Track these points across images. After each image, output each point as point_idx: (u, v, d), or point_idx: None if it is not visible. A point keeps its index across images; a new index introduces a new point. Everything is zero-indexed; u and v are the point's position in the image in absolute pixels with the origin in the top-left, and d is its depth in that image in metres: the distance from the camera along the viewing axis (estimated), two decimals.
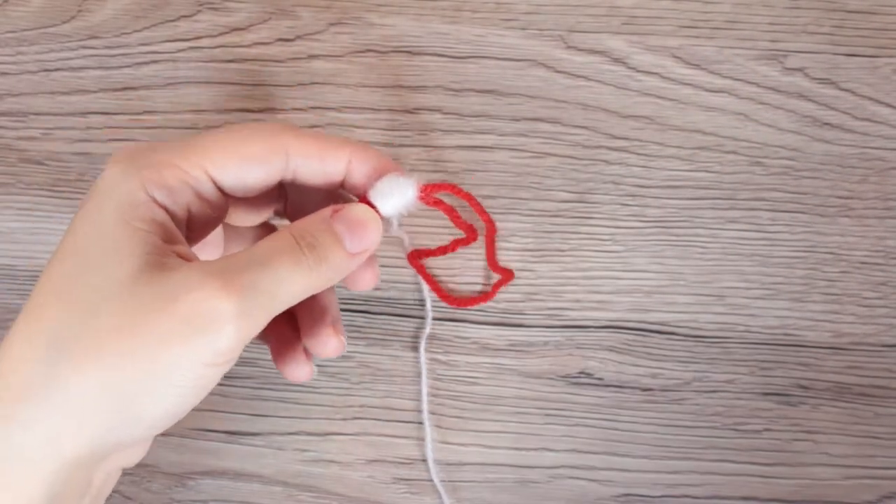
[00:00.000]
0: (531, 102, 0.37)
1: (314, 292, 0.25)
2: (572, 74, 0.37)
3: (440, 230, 0.36)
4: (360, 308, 0.37)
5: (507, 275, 0.35)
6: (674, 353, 0.36)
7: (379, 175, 0.27)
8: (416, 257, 0.35)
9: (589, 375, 0.36)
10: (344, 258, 0.25)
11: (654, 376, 0.36)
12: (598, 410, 0.36)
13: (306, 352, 0.30)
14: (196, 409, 0.25)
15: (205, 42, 0.37)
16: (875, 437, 0.36)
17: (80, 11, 0.38)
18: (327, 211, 0.26)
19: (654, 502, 0.36)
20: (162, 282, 0.23)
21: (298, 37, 0.37)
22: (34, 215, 0.37)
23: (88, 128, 0.37)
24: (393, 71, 0.37)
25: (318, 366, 0.36)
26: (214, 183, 0.26)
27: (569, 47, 0.37)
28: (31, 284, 0.37)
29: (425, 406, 0.36)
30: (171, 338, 0.22)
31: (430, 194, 0.28)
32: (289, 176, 0.27)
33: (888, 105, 0.37)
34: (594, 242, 0.37)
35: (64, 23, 0.38)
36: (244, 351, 0.24)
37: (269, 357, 0.31)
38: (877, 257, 0.36)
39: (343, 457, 0.36)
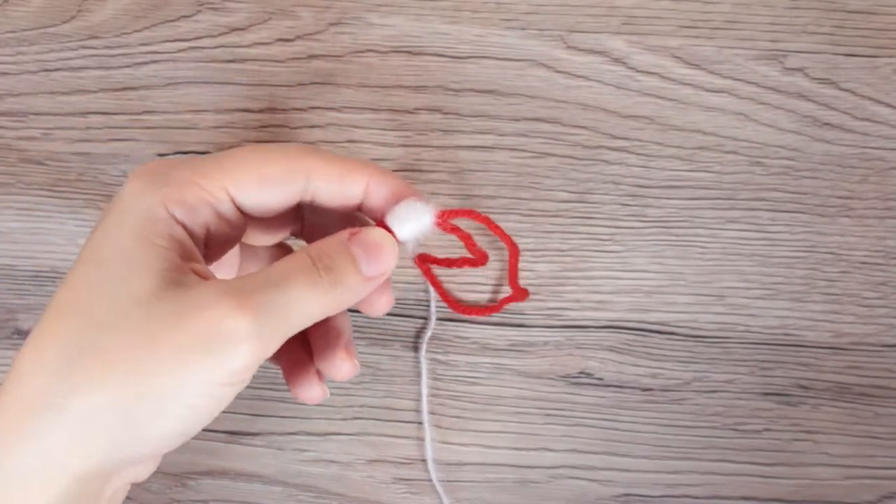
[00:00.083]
0: (531, 102, 0.37)
1: (329, 314, 0.25)
2: (572, 74, 0.37)
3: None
4: None
5: (522, 295, 0.35)
6: (674, 353, 0.36)
7: (397, 199, 0.27)
8: (424, 261, 0.35)
9: (589, 375, 0.36)
10: (360, 281, 0.25)
11: (654, 376, 0.36)
12: (598, 410, 0.36)
13: (318, 373, 0.30)
14: None
15: (205, 42, 0.37)
16: (875, 437, 0.36)
17: (80, 11, 0.38)
18: (345, 234, 0.26)
19: (654, 502, 0.36)
20: (178, 299, 0.23)
21: (298, 37, 0.37)
22: (34, 215, 0.37)
23: (88, 128, 0.37)
24: (393, 71, 0.37)
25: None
26: (234, 202, 0.26)
27: (569, 47, 0.37)
28: (31, 284, 0.37)
29: (425, 406, 0.36)
30: (185, 355, 0.22)
31: (446, 220, 0.28)
32: (307, 197, 0.27)
33: (888, 105, 0.37)
34: (594, 242, 0.37)
35: (64, 23, 0.38)
36: None
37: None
38: (877, 257, 0.36)
39: (343, 457, 0.36)
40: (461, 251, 0.32)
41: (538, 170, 0.37)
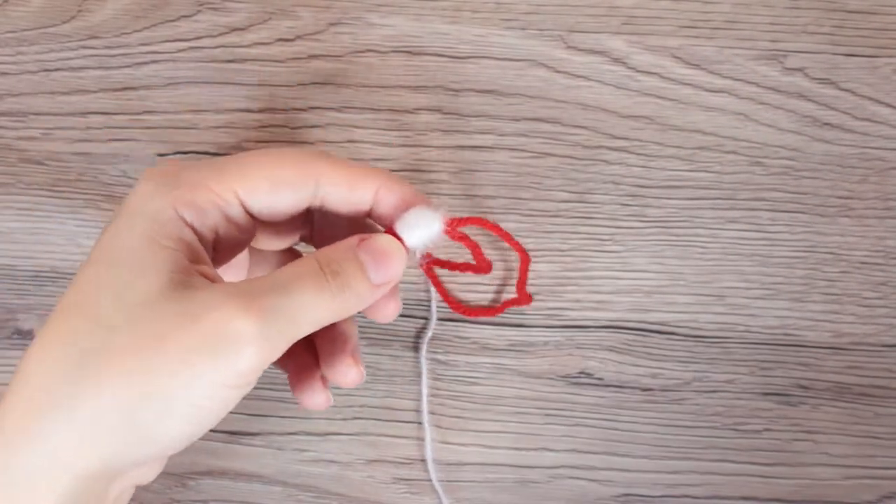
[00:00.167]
0: (531, 102, 0.37)
1: (336, 320, 0.25)
2: (572, 74, 0.37)
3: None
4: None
5: (526, 300, 0.35)
6: (674, 353, 0.36)
7: (406, 206, 0.27)
8: (427, 262, 0.35)
9: (589, 375, 0.36)
10: (367, 288, 0.25)
11: (654, 376, 0.36)
12: (598, 410, 0.36)
13: (324, 379, 0.30)
14: None
15: (205, 42, 0.37)
16: (875, 437, 0.36)
17: (80, 11, 0.38)
18: (353, 240, 0.26)
19: (654, 502, 0.36)
20: (184, 300, 0.23)
21: (298, 37, 0.37)
22: (34, 215, 0.37)
23: (88, 128, 0.37)
24: (393, 71, 0.37)
25: None
26: (244, 206, 0.26)
27: (569, 47, 0.37)
28: (31, 284, 0.37)
29: (425, 406, 0.36)
30: (192, 356, 0.22)
31: (455, 228, 0.28)
32: (317, 202, 0.27)
33: (888, 105, 0.37)
34: (594, 242, 0.37)
35: (64, 23, 0.38)
36: None
37: None
38: (877, 257, 0.36)
39: (343, 457, 0.36)
40: (465, 253, 0.32)
41: (538, 170, 0.37)
